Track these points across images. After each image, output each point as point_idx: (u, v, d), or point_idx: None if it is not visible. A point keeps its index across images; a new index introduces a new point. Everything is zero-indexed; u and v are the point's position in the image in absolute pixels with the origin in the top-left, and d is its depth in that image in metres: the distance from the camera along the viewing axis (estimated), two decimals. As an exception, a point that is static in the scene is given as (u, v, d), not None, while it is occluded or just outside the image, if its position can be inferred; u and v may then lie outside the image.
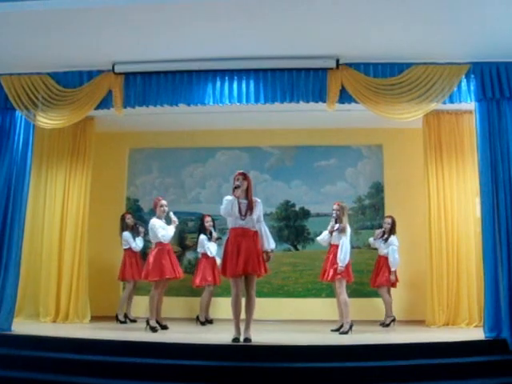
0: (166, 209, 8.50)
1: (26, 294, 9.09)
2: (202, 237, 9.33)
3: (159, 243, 8.30)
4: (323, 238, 8.59)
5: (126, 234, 9.46)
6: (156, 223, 8.33)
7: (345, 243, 8.15)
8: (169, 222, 8.50)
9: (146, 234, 9.13)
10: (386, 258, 8.96)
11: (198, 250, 9.38)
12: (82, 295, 9.21)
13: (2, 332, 7.39)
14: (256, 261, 6.78)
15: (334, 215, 8.39)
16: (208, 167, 11.05)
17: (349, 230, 8.35)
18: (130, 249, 9.44)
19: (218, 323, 9.28)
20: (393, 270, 8.91)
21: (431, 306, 8.72)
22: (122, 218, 9.62)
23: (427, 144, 9.14)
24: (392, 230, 9.08)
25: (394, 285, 8.99)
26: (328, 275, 8.22)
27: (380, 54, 7.62)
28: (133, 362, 6.32)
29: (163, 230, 8.31)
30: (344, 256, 8.05)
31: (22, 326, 7.90)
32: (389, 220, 9.17)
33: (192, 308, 9.69)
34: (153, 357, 6.42)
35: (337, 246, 8.18)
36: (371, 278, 9.20)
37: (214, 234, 9.35)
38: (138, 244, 9.47)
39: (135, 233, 9.55)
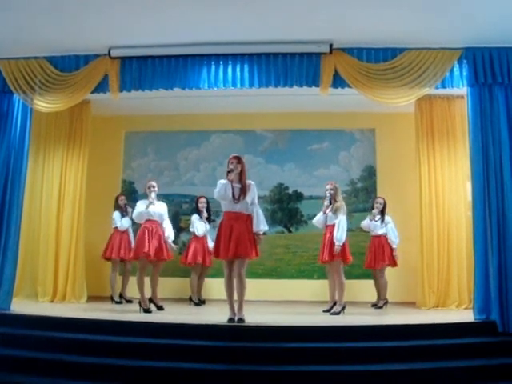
0: (153, 189, 8.42)
1: (24, 275, 9.20)
2: (194, 216, 9.47)
3: (142, 223, 8.34)
4: (318, 219, 8.52)
5: (115, 213, 9.59)
6: (137, 204, 8.45)
7: (342, 221, 8.03)
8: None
9: None
10: (385, 238, 9.03)
11: (190, 229, 9.51)
12: (79, 276, 9.37)
13: (1, 311, 7.48)
14: (248, 244, 6.78)
15: (328, 195, 8.32)
16: (202, 150, 11.17)
17: (345, 208, 8.26)
18: (117, 228, 9.58)
19: (213, 304, 9.40)
20: (394, 246, 8.99)
21: (422, 288, 8.86)
22: (116, 199, 9.76)
23: (419, 128, 9.23)
24: (384, 210, 9.19)
25: (395, 263, 9.03)
26: (326, 256, 8.09)
27: (373, 39, 7.63)
28: (129, 342, 6.38)
29: (136, 209, 8.39)
30: (341, 234, 7.95)
31: (20, 306, 7.98)
32: (381, 200, 9.26)
33: (184, 288, 9.74)
34: (149, 337, 6.49)
35: (332, 226, 8.07)
36: (368, 260, 9.16)
37: (205, 214, 9.43)
38: (123, 224, 9.55)
39: (125, 213, 9.67)
